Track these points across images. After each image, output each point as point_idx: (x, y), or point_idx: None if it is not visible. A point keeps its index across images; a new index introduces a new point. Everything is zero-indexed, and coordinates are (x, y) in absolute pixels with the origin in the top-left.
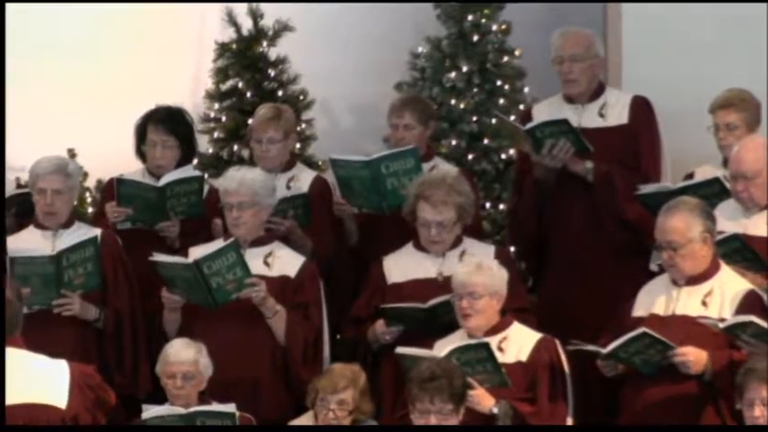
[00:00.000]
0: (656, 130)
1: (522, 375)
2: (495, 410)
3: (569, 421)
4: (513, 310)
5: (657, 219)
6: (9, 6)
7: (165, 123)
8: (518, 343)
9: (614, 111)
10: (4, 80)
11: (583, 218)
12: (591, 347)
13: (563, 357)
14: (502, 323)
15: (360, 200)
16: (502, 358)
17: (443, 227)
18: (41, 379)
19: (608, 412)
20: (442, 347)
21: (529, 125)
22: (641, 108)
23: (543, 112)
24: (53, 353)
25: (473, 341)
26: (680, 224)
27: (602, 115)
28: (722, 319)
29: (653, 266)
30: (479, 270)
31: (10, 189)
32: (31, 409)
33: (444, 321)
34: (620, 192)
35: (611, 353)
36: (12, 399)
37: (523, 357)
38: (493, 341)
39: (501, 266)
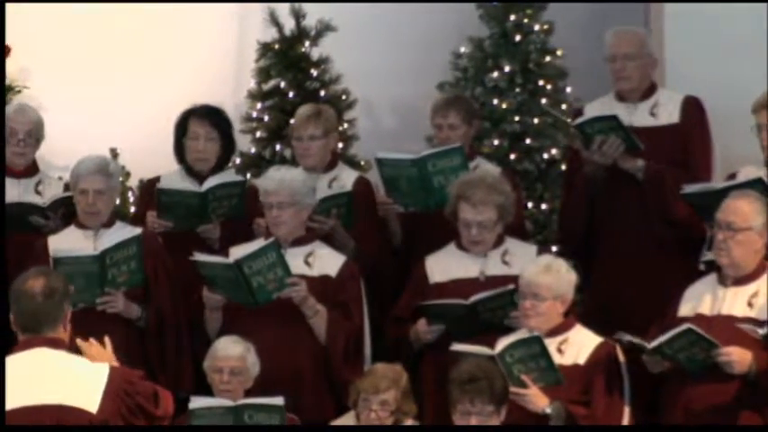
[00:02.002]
0: (708, 131)
1: (579, 378)
2: (548, 410)
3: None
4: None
5: (724, 201)
6: (52, 6)
7: (208, 117)
8: (578, 346)
9: (665, 110)
10: (4, 79)
11: (632, 216)
12: (637, 340)
13: (622, 362)
14: (563, 325)
15: (406, 199)
16: (560, 360)
17: (484, 227)
18: (76, 381)
19: (650, 411)
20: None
21: (578, 120)
22: (693, 108)
23: (595, 110)
24: None
25: (525, 335)
26: (746, 208)
27: (653, 114)
28: (766, 322)
29: (701, 265)
30: (547, 271)
31: (58, 191)
32: (60, 410)
33: (485, 319)
34: (670, 190)
35: (656, 348)
36: (43, 398)
37: (581, 360)
38: (553, 342)
39: (570, 269)
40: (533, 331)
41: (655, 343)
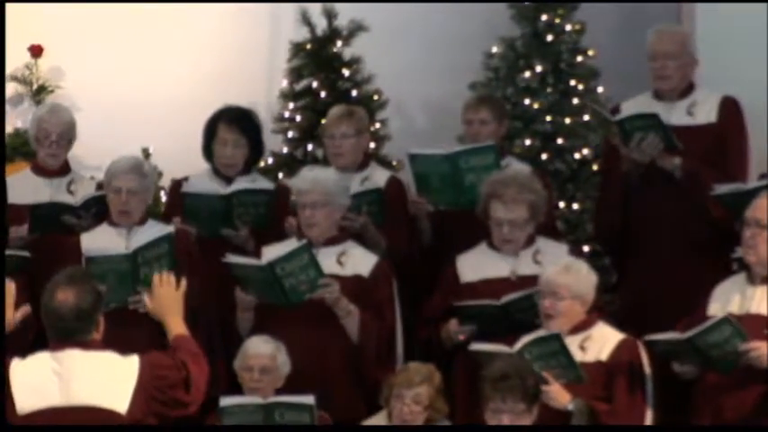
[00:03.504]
0: (744, 132)
1: (601, 374)
2: (570, 407)
3: (648, 422)
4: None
5: (754, 199)
6: (84, 6)
7: (237, 122)
8: (600, 342)
9: (703, 109)
10: (3, 79)
11: (668, 215)
12: (668, 337)
13: (644, 359)
14: (585, 322)
15: (437, 196)
16: (582, 357)
17: (515, 225)
18: (106, 381)
19: (682, 411)
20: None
21: (619, 116)
22: (730, 108)
23: (632, 108)
24: (128, 351)
25: (544, 333)
26: None
27: (690, 113)
28: None
29: (734, 264)
30: (567, 271)
31: (90, 191)
32: (90, 411)
33: (517, 319)
34: (707, 188)
35: (690, 339)
36: (72, 399)
37: (603, 357)
38: (575, 340)
39: (591, 271)
40: (555, 330)
41: (690, 333)
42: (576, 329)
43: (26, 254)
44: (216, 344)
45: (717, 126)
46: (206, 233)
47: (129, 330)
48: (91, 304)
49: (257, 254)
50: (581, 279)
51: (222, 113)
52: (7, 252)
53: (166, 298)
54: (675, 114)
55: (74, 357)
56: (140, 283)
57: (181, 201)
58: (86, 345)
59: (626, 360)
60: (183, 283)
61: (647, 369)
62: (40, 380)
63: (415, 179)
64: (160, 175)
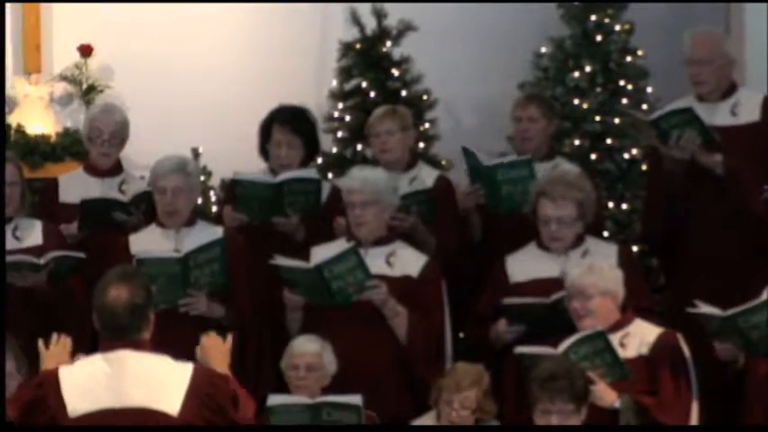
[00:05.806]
0: None
1: (644, 369)
2: (618, 405)
3: (695, 409)
4: (636, 309)
5: None
6: (134, 5)
7: (290, 123)
8: (639, 338)
9: (746, 109)
10: (3, 80)
11: (714, 214)
12: (709, 310)
13: (685, 349)
14: (623, 320)
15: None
16: (623, 353)
17: (563, 223)
18: (159, 383)
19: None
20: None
21: (654, 115)
22: None
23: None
24: (176, 354)
25: (588, 331)
26: None
27: (734, 113)
28: None
29: None
30: (590, 271)
31: (140, 188)
32: (142, 413)
33: (566, 318)
34: (748, 185)
35: (732, 317)
36: (125, 401)
37: (645, 351)
38: (615, 338)
39: (614, 267)
40: (596, 327)
41: (732, 311)
42: (614, 328)
43: (81, 255)
44: (265, 343)
45: (760, 125)
46: (257, 220)
47: (175, 333)
48: (144, 300)
49: (306, 245)
50: (606, 275)
51: (276, 114)
52: (62, 252)
53: (214, 355)
54: (719, 115)
55: (125, 358)
56: (191, 287)
57: (233, 190)
58: (137, 345)
59: (668, 352)
60: (230, 338)
61: (690, 359)
62: (92, 382)
63: (469, 171)
64: (208, 174)
